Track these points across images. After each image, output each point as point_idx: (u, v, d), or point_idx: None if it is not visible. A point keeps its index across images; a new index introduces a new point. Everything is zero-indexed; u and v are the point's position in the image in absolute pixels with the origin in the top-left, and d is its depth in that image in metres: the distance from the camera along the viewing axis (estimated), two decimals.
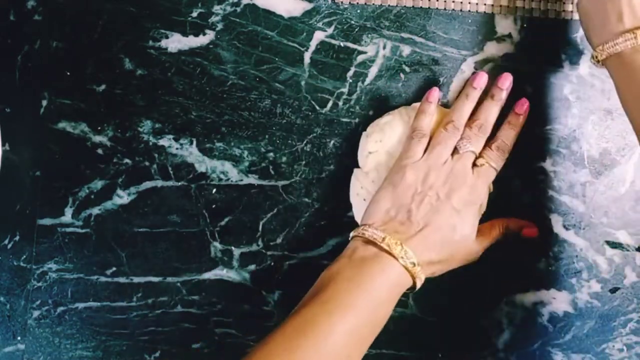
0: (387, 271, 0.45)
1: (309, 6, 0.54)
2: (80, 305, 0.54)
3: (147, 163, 0.54)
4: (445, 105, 0.55)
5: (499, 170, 0.51)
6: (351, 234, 0.48)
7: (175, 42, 0.54)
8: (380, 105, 0.54)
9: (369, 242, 0.46)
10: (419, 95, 0.54)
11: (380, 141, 0.52)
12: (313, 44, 0.54)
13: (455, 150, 0.50)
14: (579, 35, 0.55)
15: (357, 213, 0.53)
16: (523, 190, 0.55)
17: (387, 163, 0.52)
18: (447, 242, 0.47)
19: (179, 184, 0.54)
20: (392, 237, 0.45)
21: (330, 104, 0.54)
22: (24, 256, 0.54)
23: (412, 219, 0.47)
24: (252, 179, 0.54)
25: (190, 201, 0.54)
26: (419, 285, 0.47)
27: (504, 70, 0.55)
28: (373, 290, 0.44)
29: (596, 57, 0.47)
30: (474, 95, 0.52)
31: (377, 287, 0.44)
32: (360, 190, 0.53)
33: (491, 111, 0.51)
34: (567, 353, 0.55)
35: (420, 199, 0.47)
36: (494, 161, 0.50)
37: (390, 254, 0.45)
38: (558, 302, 0.55)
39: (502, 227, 0.51)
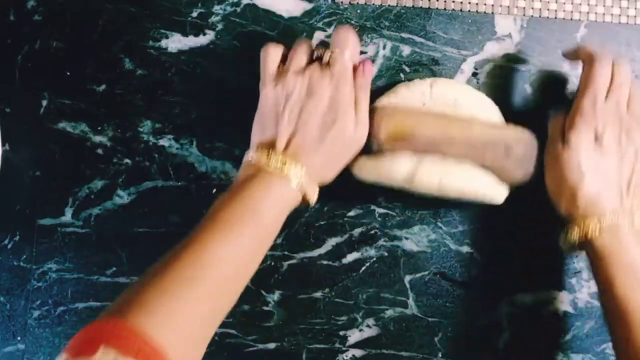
0: (269, 190, 0.44)
1: (309, 6, 0.54)
2: (80, 305, 0.54)
3: (147, 163, 0.54)
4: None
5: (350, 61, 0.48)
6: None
7: (175, 42, 0.54)
8: None
9: (251, 165, 0.46)
10: None
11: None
12: (313, 44, 0.54)
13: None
14: (579, 35, 0.55)
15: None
16: (523, 191, 0.55)
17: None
18: (325, 135, 0.46)
19: (179, 184, 0.54)
20: (265, 154, 0.45)
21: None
22: (24, 256, 0.54)
23: (280, 129, 0.46)
24: None
25: (190, 201, 0.54)
26: (311, 199, 0.46)
27: (504, 70, 0.55)
28: (258, 211, 0.43)
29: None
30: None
31: (261, 208, 0.43)
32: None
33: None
34: (567, 353, 0.55)
35: (282, 108, 0.46)
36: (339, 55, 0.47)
37: (272, 171, 0.44)
38: (558, 302, 0.55)
39: (360, 94, 0.48)
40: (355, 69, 0.48)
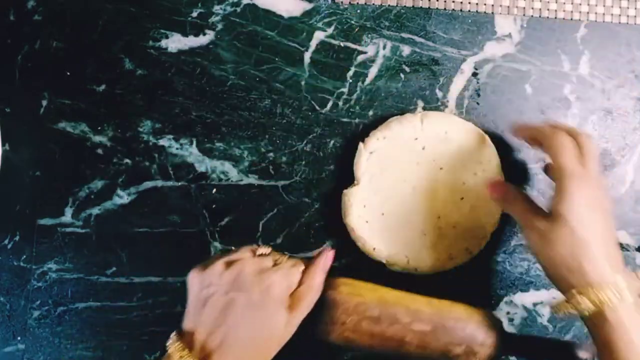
0: None
1: (309, 6, 0.54)
2: (80, 305, 0.54)
3: (147, 163, 0.54)
4: (438, 108, 0.55)
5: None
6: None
7: (175, 42, 0.54)
8: (380, 105, 0.54)
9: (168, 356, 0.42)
10: (419, 95, 0.54)
11: (384, 138, 0.52)
12: (313, 44, 0.54)
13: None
14: (579, 35, 0.55)
15: (360, 234, 0.52)
16: (524, 190, 0.55)
17: (386, 170, 0.52)
18: (249, 336, 0.42)
19: (179, 184, 0.54)
20: (182, 350, 0.41)
21: (330, 104, 0.54)
22: (24, 256, 0.54)
23: (202, 324, 0.43)
24: (252, 179, 0.54)
25: (190, 201, 0.54)
26: None
27: (504, 70, 0.55)
28: None
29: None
30: None
31: None
32: (361, 210, 0.52)
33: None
34: None
35: (205, 301, 0.43)
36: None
37: None
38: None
39: (308, 296, 0.45)
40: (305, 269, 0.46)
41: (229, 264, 0.44)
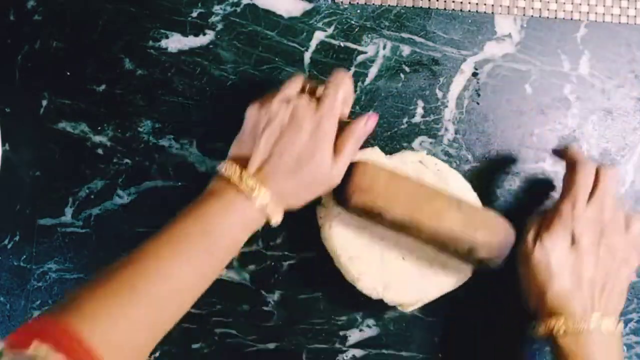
0: (230, 209, 0.44)
1: (309, 6, 0.54)
2: None
3: (147, 163, 0.54)
4: (438, 108, 0.55)
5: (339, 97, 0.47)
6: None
7: (175, 42, 0.54)
8: (380, 105, 0.54)
9: (221, 178, 0.45)
10: (419, 95, 0.54)
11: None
12: (313, 44, 0.54)
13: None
14: (579, 35, 0.55)
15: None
16: (523, 191, 0.55)
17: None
18: (299, 166, 0.45)
19: (179, 184, 0.54)
20: (236, 170, 0.45)
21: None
22: (24, 256, 0.54)
23: (255, 151, 0.46)
24: None
25: (190, 201, 0.54)
26: (274, 222, 0.46)
27: (504, 70, 0.55)
28: (213, 231, 0.43)
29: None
30: None
31: (217, 227, 0.43)
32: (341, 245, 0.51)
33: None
34: None
35: (261, 132, 0.46)
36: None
37: (238, 189, 0.44)
38: None
39: (351, 139, 0.47)
40: (349, 117, 0.48)
41: (288, 100, 0.47)
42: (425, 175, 0.51)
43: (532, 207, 0.55)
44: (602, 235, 0.46)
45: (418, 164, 0.51)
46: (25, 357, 0.33)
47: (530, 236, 0.48)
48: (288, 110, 0.46)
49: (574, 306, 0.45)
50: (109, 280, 0.40)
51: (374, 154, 0.52)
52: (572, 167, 0.48)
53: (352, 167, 0.48)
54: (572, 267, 0.46)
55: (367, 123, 0.47)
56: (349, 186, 0.47)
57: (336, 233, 0.50)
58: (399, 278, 0.50)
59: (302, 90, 0.49)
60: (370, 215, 0.48)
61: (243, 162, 0.46)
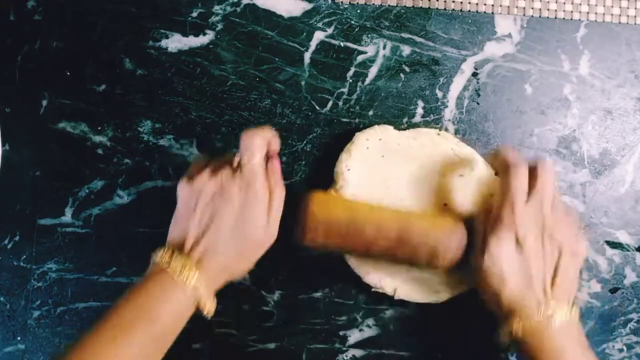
0: (166, 295, 0.44)
1: (309, 6, 0.54)
2: (80, 305, 0.54)
3: (147, 163, 0.54)
4: (438, 108, 0.55)
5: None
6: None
7: (175, 42, 0.54)
8: (380, 105, 0.54)
9: (156, 264, 0.45)
10: (419, 95, 0.54)
11: (367, 148, 0.52)
12: (313, 44, 0.54)
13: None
14: (579, 35, 0.55)
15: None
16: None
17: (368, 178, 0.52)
18: (235, 236, 0.46)
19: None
20: (169, 254, 0.45)
21: (330, 104, 0.54)
22: (24, 256, 0.54)
23: (190, 229, 0.46)
24: None
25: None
26: (205, 308, 0.45)
27: (504, 70, 0.55)
28: (152, 317, 0.43)
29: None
30: None
31: (155, 313, 0.43)
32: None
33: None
34: None
35: (194, 208, 0.46)
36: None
37: (169, 276, 0.44)
38: None
39: (274, 191, 0.48)
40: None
41: (213, 173, 0.47)
42: (444, 146, 0.52)
43: None
44: (544, 229, 0.47)
45: (436, 136, 0.52)
46: None
47: (477, 245, 0.48)
48: (217, 183, 0.46)
49: (528, 305, 0.46)
50: None
51: (385, 130, 0.52)
52: (504, 171, 0.48)
53: (304, 204, 0.48)
54: (520, 268, 0.46)
55: (273, 170, 0.48)
56: (304, 223, 0.48)
57: None
58: (411, 275, 0.52)
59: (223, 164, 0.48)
60: (330, 241, 0.49)
61: (179, 242, 0.46)
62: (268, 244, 0.48)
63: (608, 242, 0.55)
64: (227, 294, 0.54)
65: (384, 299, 0.54)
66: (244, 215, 0.46)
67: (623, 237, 0.56)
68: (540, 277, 0.46)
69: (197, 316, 0.54)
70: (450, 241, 0.48)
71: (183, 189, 0.48)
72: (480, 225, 0.48)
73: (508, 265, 0.46)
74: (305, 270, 0.54)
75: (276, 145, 0.49)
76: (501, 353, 0.51)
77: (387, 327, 0.55)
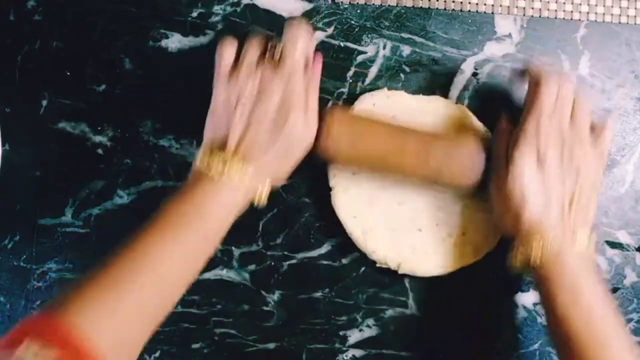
0: (215, 193, 0.44)
1: (309, 6, 0.54)
2: None
3: (147, 163, 0.54)
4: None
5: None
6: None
7: (175, 42, 0.54)
8: None
9: (203, 162, 0.46)
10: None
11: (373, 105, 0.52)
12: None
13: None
14: (579, 35, 0.55)
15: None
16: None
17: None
18: (276, 133, 0.46)
19: (179, 184, 0.54)
20: (214, 156, 0.45)
21: (330, 104, 0.54)
22: (24, 256, 0.54)
23: (232, 128, 0.46)
24: None
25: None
26: (261, 199, 0.46)
27: (504, 70, 0.55)
28: (201, 215, 0.44)
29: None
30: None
31: (205, 211, 0.44)
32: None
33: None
34: None
35: (234, 107, 0.46)
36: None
37: (217, 175, 0.44)
38: None
39: (311, 92, 0.48)
40: (307, 64, 0.48)
41: (251, 68, 0.47)
42: (460, 116, 0.53)
43: None
44: (565, 147, 0.46)
45: (452, 105, 0.53)
46: (13, 359, 0.33)
47: (501, 154, 0.48)
48: (256, 81, 0.46)
49: (547, 226, 0.45)
50: (103, 273, 0.40)
51: (399, 95, 0.53)
52: (534, 83, 0.48)
53: (323, 117, 0.49)
54: (541, 185, 0.46)
55: (314, 68, 0.49)
56: (324, 129, 0.49)
57: (348, 200, 0.52)
58: (416, 250, 0.52)
59: (264, 52, 0.48)
60: (349, 151, 0.49)
61: (220, 141, 0.46)
62: (308, 141, 0.48)
63: (608, 242, 0.55)
64: (227, 294, 0.54)
65: (384, 299, 0.54)
66: (284, 110, 0.46)
67: (623, 237, 0.56)
68: (560, 196, 0.46)
69: (197, 316, 0.54)
70: (473, 159, 0.48)
71: (220, 86, 0.47)
72: (501, 148, 0.48)
73: (530, 181, 0.46)
74: (305, 270, 0.54)
75: (314, 41, 0.49)
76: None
77: (387, 327, 0.55)
